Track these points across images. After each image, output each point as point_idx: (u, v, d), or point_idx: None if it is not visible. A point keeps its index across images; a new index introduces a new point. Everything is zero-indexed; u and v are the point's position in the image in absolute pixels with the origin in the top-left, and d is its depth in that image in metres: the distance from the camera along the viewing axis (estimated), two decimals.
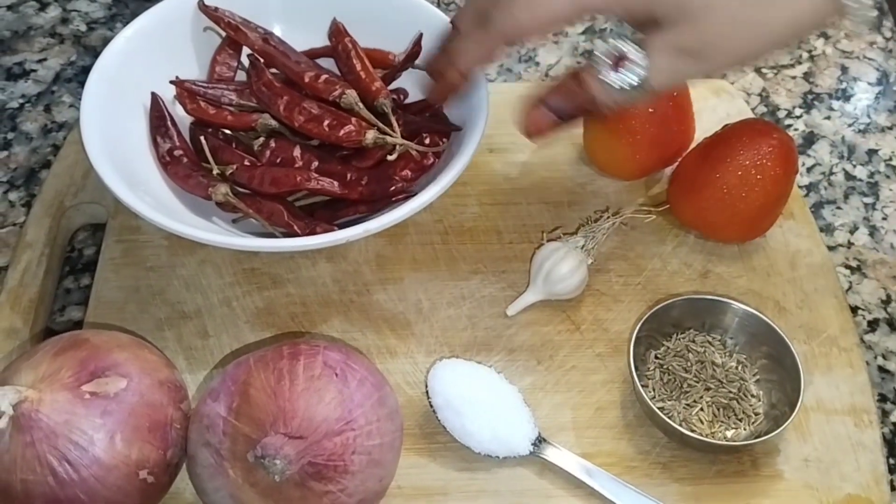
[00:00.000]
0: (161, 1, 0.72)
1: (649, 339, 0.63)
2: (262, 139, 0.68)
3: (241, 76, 0.74)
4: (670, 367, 0.62)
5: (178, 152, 0.67)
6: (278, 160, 0.67)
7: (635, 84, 0.52)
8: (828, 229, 0.75)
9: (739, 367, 0.63)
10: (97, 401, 0.51)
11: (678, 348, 0.63)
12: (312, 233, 0.63)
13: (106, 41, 0.71)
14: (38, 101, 0.82)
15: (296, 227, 0.64)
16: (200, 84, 0.71)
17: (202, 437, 0.51)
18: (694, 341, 0.64)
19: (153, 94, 0.69)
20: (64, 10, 0.90)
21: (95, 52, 0.83)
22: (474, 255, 0.70)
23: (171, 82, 0.71)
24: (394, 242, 0.70)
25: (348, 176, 0.66)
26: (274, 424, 0.49)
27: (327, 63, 0.74)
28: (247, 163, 0.67)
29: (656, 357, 0.63)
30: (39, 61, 0.85)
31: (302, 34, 0.75)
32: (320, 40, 0.75)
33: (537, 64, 0.86)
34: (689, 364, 0.62)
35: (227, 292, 0.67)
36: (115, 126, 0.66)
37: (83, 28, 0.88)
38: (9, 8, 0.90)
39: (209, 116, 0.70)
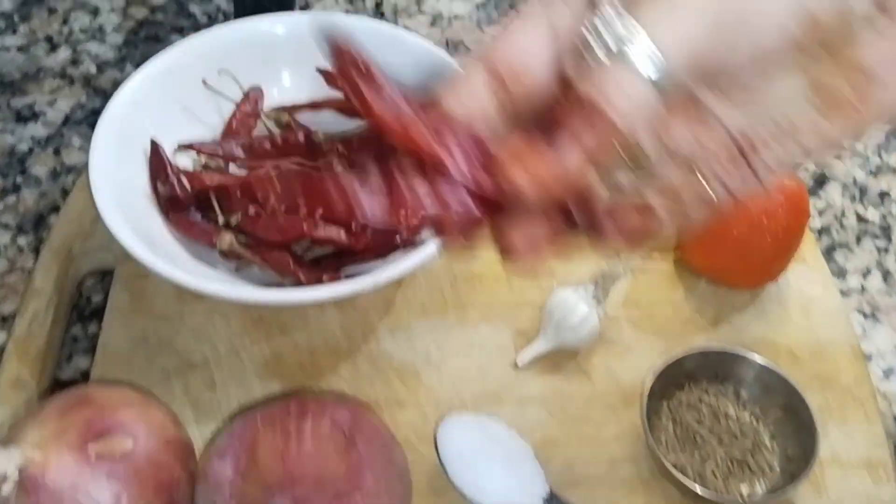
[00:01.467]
0: (171, 44, 0.73)
1: (662, 390, 0.62)
2: None
3: (260, 129, 0.74)
4: (683, 420, 0.61)
5: (179, 200, 0.67)
6: (283, 207, 0.67)
7: (652, 65, 0.33)
8: (840, 273, 0.74)
9: (753, 420, 0.62)
10: (103, 462, 0.50)
11: (691, 400, 0.62)
12: (318, 282, 0.63)
13: (116, 83, 0.71)
14: (47, 144, 0.82)
15: (302, 277, 0.63)
16: (208, 144, 0.71)
17: (209, 498, 0.51)
18: (707, 392, 0.63)
19: (152, 141, 0.68)
20: (74, 51, 0.90)
21: (105, 95, 0.84)
22: (484, 301, 0.69)
23: (181, 146, 0.70)
24: (402, 288, 0.70)
25: (354, 225, 0.65)
26: (281, 487, 0.49)
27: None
28: (251, 211, 0.67)
29: (669, 409, 0.62)
30: (49, 103, 0.85)
31: (308, 79, 0.75)
32: (325, 88, 0.75)
33: None
34: (702, 417, 0.62)
35: (235, 341, 0.66)
36: (123, 176, 0.66)
37: (93, 70, 0.88)
38: (19, 49, 0.90)
39: (217, 187, 0.69)
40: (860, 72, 0.35)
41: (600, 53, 0.33)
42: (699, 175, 0.36)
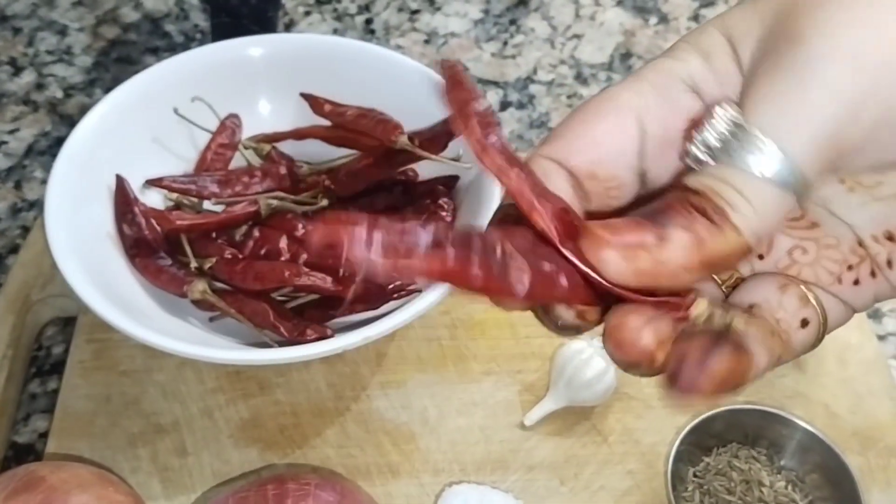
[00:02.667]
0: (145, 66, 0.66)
1: (688, 454, 0.55)
2: (244, 228, 0.61)
3: (238, 159, 0.68)
4: (711, 489, 0.55)
5: (146, 242, 0.60)
6: (263, 252, 0.61)
7: (776, 166, 0.27)
8: (875, 315, 0.68)
9: (789, 487, 0.55)
10: None
11: (720, 465, 0.56)
12: (302, 335, 0.56)
13: (84, 109, 0.65)
14: (7, 177, 0.75)
15: (283, 330, 0.57)
16: (179, 179, 0.64)
17: None
18: (737, 457, 0.56)
19: (118, 177, 0.62)
20: (40, 74, 0.83)
21: (72, 122, 0.77)
22: (486, 352, 0.62)
23: (148, 181, 0.64)
24: (396, 338, 0.63)
25: (342, 271, 0.59)
26: None
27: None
28: (227, 255, 0.60)
29: (695, 476, 0.56)
30: (11, 132, 0.78)
31: (290, 105, 0.69)
32: (308, 115, 0.68)
33: (550, 130, 0.79)
34: (732, 485, 0.55)
35: (209, 401, 0.60)
36: (84, 216, 0.60)
37: (59, 94, 0.81)
38: None
39: (189, 227, 0.62)
40: None
41: (705, 154, 0.28)
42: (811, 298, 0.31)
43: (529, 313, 0.32)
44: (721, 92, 0.30)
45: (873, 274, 0.30)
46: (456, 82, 0.30)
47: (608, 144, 0.30)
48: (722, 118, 0.28)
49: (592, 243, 0.28)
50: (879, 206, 0.30)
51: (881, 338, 0.66)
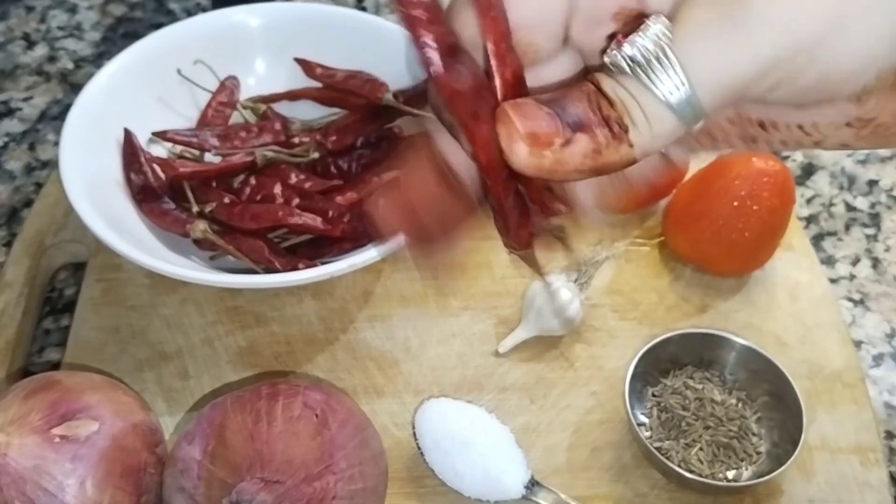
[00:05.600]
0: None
1: (646, 376, 0.61)
2: (241, 176, 0.67)
3: (236, 118, 0.73)
4: (668, 406, 0.60)
5: (152, 189, 0.66)
6: (258, 197, 0.66)
7: (682, 97, 0.30)
8: (829, 261, 0.73)
9: (740, 405, 0.60)
10: (67, 445, 0.49)
11: (676, 386, 0.61)
12: (294, 269, 0.61)
13: None
14: (22, 140, 0.81)
15: (277, 264, 0.62)
16: (182, 133, 0.70)
17: (177, 482, 0.49)
18: (692, 378, 0.61)
19: (126, 130, 0.67)
20: (51, 48, 0.89)
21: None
22: (465, 290, 0.68)
23: (154, 134, 0.69)
24: (382, 278, 0.68)
25: (331, 213, 0.64)
26: (250, 468, 0.47)
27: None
28: (226, 200, 0.66)
29: (653, 395, 0.61)
30: (25, 100, 0.84)
31: (284, 69, 0.74)
32: (301, 78, 0.74)
33: None
34: (687, 402, 0.60)
35: (209, 331, 0.65)
36: (95, 165, 0.65)
37: (70, 66, 0.87)
38: None
39: (191, 174, 0.67)
40: None
41: (626, 65, 0.31)
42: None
43: (506, 258, 0.39)
44: None
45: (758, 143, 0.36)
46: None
47: (533, 11, 0.33)
48: (652, 35, 0.31)
49: (507, 130, 0.30)
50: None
51: (833, 281, 0.71)
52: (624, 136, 0.30)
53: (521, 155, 0.30)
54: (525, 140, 0.30)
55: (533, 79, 0.34)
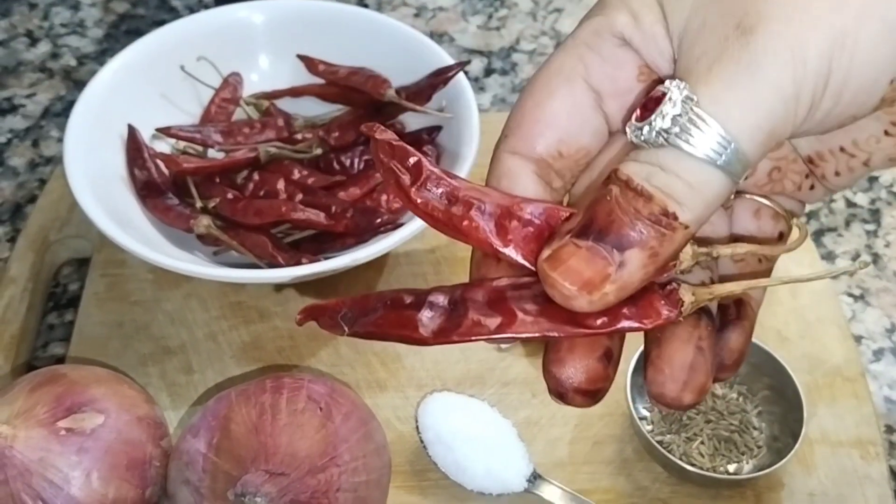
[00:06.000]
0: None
1: None
2: (245, 172, 0.67)
3: (239, 114, 0.73)
4: None
5: (156, 185, 0.66)
6: (262, 193, 0.66)
7: (725, 152, 0.29)
8: (829, 257, 0.73)
9: (740, 399, 0.61)
10: (73, 437, 0.49)
11: None
12: (298, 264, 0.62)
13: None
14: (25, 136, 0.81)
15: (280, 259, 0.62)
16: (186, 128, 0.70)
17: (182, 474, 0.50)
18: None
19: (129, 126, 0.68)
20: (54, 45, 0.89)
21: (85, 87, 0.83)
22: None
23: (158, 130, 0.70)
24: (385, 274, 0.68)
25: (333, 208, 0.64)
26: (255, 461, 0.48)
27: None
28: (230, 196, 0.66)
29: None
30: (28, 96, 0.84)
31: (287, 65, 0.75)
32: (304, 75, 0.74)
33: None
34: None
35: (213, 326, 0.65)
36: (99, 160, 0.65)
37: (73, 63, 0.87)
38: (0, 43, 0.89)
39: (194, 170, 0.68)
40: None
41: (657, 136, 0.30)
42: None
43: None
44: (650, 50, 0.32)
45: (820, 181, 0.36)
46: (382, 148, 0.32)
47: (569, 119, 0.32)
48: (676, 99, 0.29)
49: (558, 292, 0.29)
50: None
51: (833, 276, 0.72)
52: (674, 223, 0.29)
53: (583, 303, 0.29)
54: (581, 292, 0.29)
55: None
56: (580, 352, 0.32)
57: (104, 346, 0.64)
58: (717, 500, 0.57)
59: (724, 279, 0.35)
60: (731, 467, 0.58)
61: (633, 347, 0.59)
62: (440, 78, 0.69)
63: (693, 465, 0.57)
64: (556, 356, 0.32)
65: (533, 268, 0.31)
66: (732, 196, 0.35)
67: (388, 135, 0.32)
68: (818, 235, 0.75)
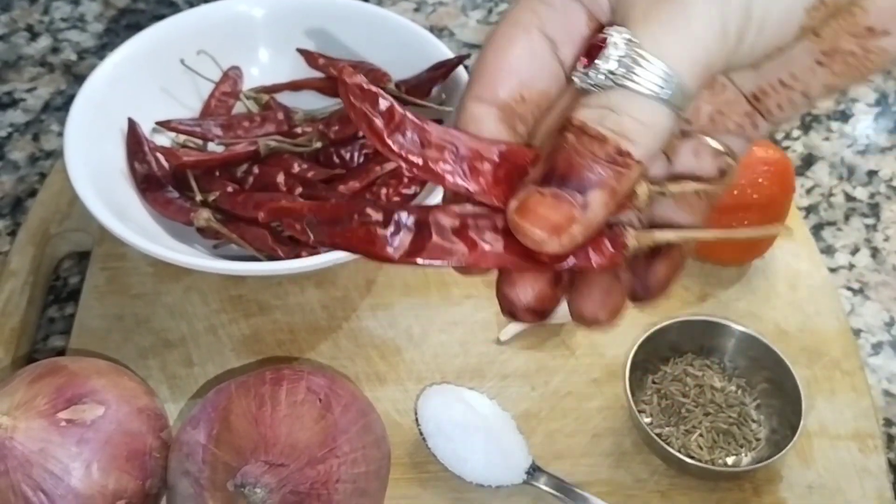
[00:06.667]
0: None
1: (646, 363, 0.61)
2: (245, 165, 0.67)
3: (239, 108, 0.74)
4: (668, 393, 0.60)
5: (156, 178, 0.66)
6: (262, 186, 0.66)
7: (669, 85, 0.31)
8: (828, 251, 0.73)
9: (739, 392, 0.61)
10: (73, 429, 0.49)
11: (676, 373, 0.61)
12: (297, 257, 0.62)
13: None
14: (26, 130, 0.81)
15: (280, 252, 0.62)
16: (186, 122, 0.70)
17: (181, 465, 0.50)
18: (692, 365, 0.62)
19: (130, 120, 0.68)
20: (55, 39, 0.89)
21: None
22: (467, 280, 0.67)
23: (158, 123, 0.70)
24: (384, 267, 0.69)
25: (333, 201, 0.64)
26: (255, 452, 0.48)
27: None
28: (230, 189, 0.66)
29: (654, 382, 0.61)
30: (29, 90, 0.84)
31: (287, 59, 0.75)
32: (304, 69, 0.74)
33: None
34: (687, 389, 0.61)
35: (213, 320, 0.65)
36: (99, 153, 0.65)
37: (73, 57, 0.87)
38: (0, 38, 0.89)
39: (194, 163, 0.68)
40: (864, 27, 0.34)
41: (605, 79, 0.32)
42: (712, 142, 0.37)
43: None
44: (590, 1, 0.35)
45: (763, 117, 0.37)
46: (352, 91, 0.32)
47: (528, 65, 0.35)
48: (619, 43, 0.31)
49: (529, 237, 0.31)
50: (752, 73, 0.36)
51: (833, 270, 0.72)
52: (629, 160, 0.31)
53: (555, 246, 0.31)
54: (551, 236, 0.31)
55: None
56: (531, 276, 0.34)
57: (104, 339, 0.64)
58: (715, 493, 0.57)
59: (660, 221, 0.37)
60: (730, 460, 0.58)
61: (633, 340, 0.60)
62: (440, 71, 0.69)
63: (692, 457, 0.57)
64: (508, 279, 0.34)
65: (503, 207, 0.32)
66: (678, 134, 0.36)
67: (359, 78, 0.32)
68: (817, 229, 0.75)
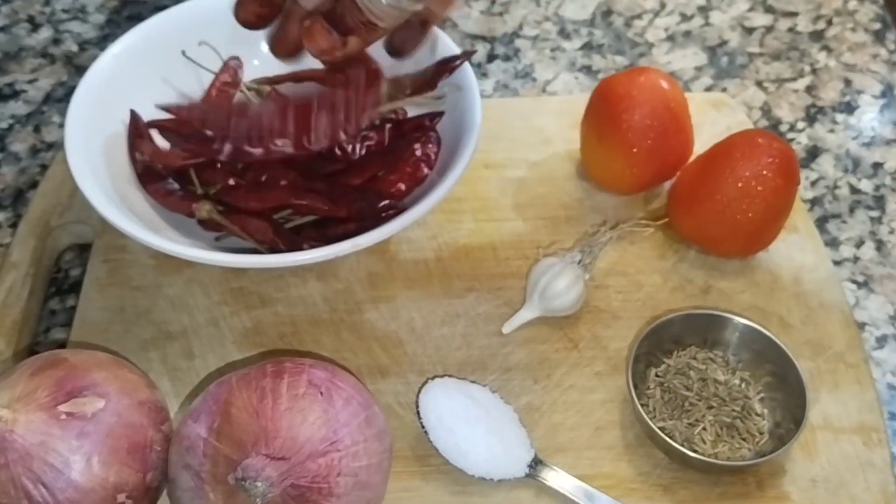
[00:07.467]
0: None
1: (649, 356, 0.61)
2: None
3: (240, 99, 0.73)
4: (671, 386, 0.60)
5: (157, 170, 0.66)
6: (263, 179, 0.66)
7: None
8: (833, 244, 0.73)
9: (743, 385, 0.61)
10: (74, 422, 0.49)
11: (679, 366, 0.61)
12: (299, 250, 0.61)
13: None
14: (27, 122, 0.81)
15: (281, 244, 0.62)
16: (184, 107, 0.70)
17: (182, 459, 0.50)
18: (695, 358, 0.61)
19: (131, 111, 0.67)
20: (56, 30, 0.89)
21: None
22: (469, 272, 0.68)
23: (157, 106, 0.69)
24: (386, 260, 0.68)
25: (335, 193, 0.64)
26: (255, 445, 0.48)
27: None
28: (231, 182, 0.66)
29: (657, 375, 0.61)
30: (30, 82, 0.84)
31: None
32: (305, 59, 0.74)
33: (534, 80, 0.85)
34: (690, 382, 0.60)
35: (215, 312, 0.65)
36: (100, 145, 0.65)
37: (75, 49, 0.87)
38: (1, 29, 0.89)
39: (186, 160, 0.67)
40: None
41: None
42: None
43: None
44: None
45: None
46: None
47: None
48: None
49: (311, 46, 0.55)
50: None
51: (837, 263, 0.71)
52: (377, 25, 0.53)
53: (323, 48, 0.55)
54: (322, 55, 0.55)
55: None
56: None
57: (105, 332, 0.64)
58: (718, 487, 0.57)
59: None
60: (734, 453, 0.58)
61: (636, 333, 0.59)
62: (447, 66, 0.68)
63: (695, 451, 0.57)
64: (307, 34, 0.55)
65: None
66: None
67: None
68: (822, 222, 0.74)
